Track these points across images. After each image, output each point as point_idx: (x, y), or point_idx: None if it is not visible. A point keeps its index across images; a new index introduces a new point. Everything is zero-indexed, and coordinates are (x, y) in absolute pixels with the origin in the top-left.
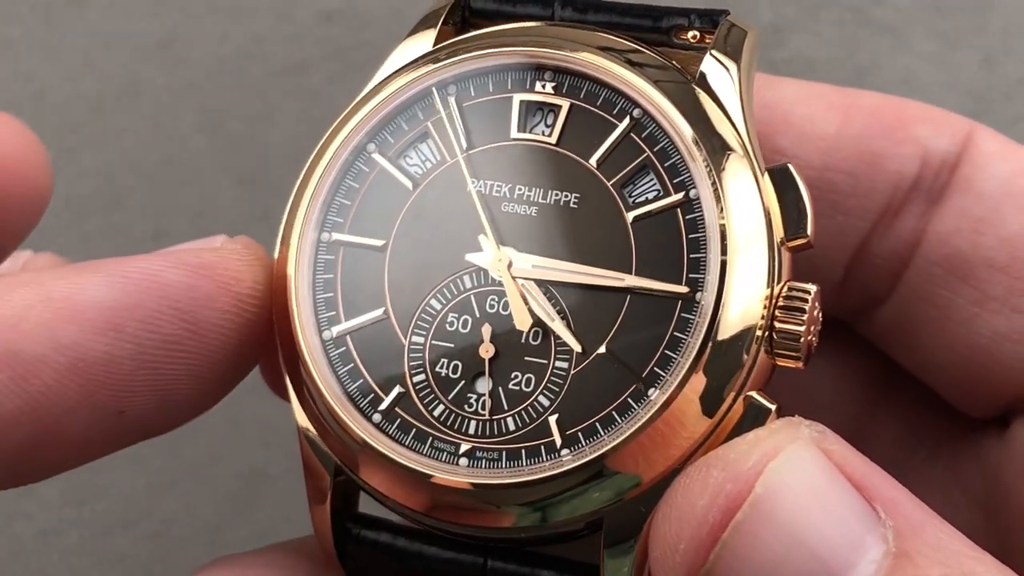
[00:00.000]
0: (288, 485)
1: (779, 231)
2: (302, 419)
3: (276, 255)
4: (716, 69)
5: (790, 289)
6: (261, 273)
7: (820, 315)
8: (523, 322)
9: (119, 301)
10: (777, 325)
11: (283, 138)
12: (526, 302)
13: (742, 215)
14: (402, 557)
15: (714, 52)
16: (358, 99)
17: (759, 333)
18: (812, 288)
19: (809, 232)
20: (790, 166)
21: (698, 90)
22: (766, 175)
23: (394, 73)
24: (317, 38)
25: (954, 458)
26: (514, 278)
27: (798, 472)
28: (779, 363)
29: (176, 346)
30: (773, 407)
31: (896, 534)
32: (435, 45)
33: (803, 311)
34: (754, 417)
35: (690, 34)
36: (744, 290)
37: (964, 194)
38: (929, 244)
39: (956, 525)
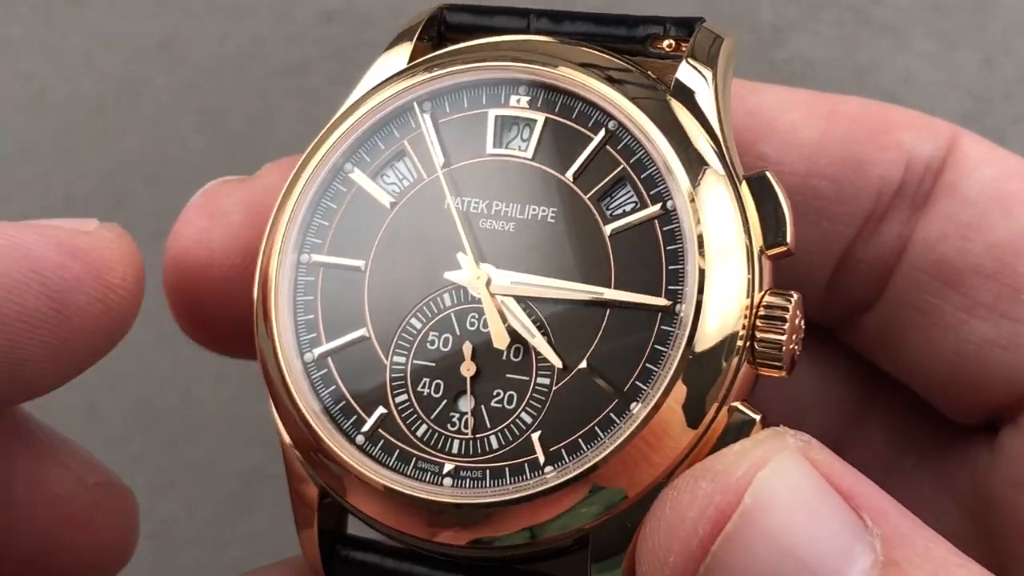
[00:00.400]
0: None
1: (759, 240)
2: (287, 443)
3: (256, 276)
4: (692, 77)
5: (771, 298)
6: (131, 265)
7: (803, 323)
8: (500, 340)
9: None
10: (758, 335)
11: (283, 138)
12: (504, 320)
13: (720, 225)
14: None
15: (690, 60)
16: (335, 117)
17: (740, 343)
18: (793, 296)
19: (789, 240)
20: (768, 174)
21: (673, 100)
22: (744, 183)
23: (370, 91)
24: (317, 38)
25: (943, 465)
26: (493, 295)
27: (786, 482)
28: (762, 373)
29: (38, 322)
30: (758, 417)
31: (884, 543)
32: (410, 60)
33: (784, 320)
34: (738, 428)
35: (665, 43)
36: (724, 300)
37: (950, 200)
38: (916, 250)
39: (946, 533)
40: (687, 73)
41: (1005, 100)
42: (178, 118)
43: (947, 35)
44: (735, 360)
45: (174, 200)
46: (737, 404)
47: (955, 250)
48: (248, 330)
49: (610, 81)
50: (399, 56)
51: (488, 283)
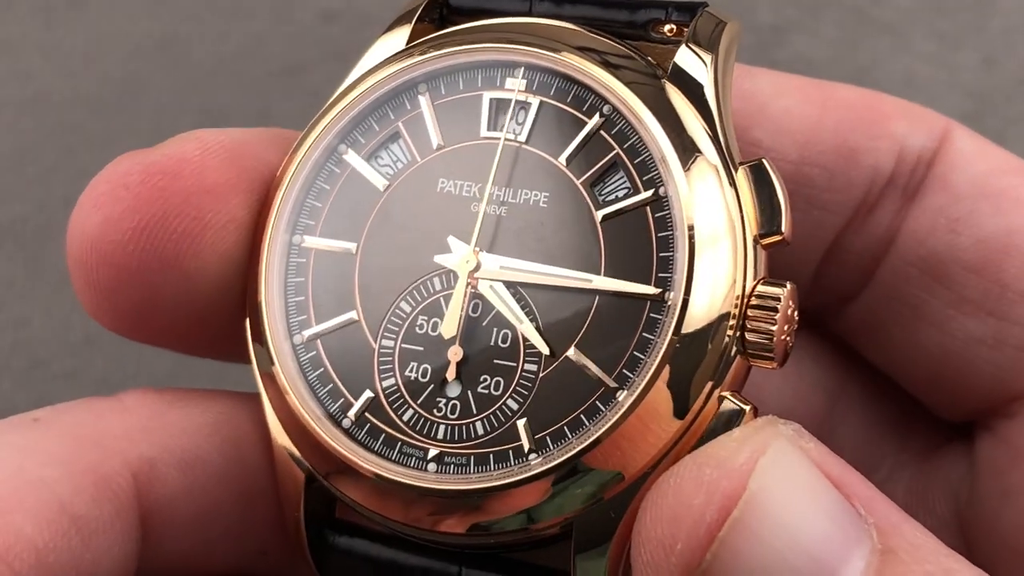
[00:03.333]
0: None
1: (753, 228)
2: (274, 424)
3: (249, 258)
4: (691, 62)
5: (763, 287)
6: None
7: (796, 314)
8: (449, 330)
9: None
10: (749, 324)
11: None
12: (491, 308)
13: (712, 212)
14: (377, 564)
15: (689, 44)
16: (331, 99)
17: (730, 333)
18: (786, 286)
19: (784, 229)
20: (765, 161)
21: (669, 86)
22: (740, 170)
23: (366, 72)
24: (317, 38)
25: (916, 479)
26: (477, 280)
27: (786, 468)
28: (754, 364)
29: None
30: (747, 408)
31: (879, 531)
32: (410, 40)
33: (775, 310)
34: (728, 418)
35: (666, 28)
36: (713, 289)
37: (939, 193)
38: (904, 243)
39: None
40: (686, 58)
41: (1005, 100)
42: (178, 118)
43: (947, 35)
44: (724, 349)
45: None
46: (727, 394)
47: (943, 244)
48: (152, 313)
49: (606, 65)
50: (396, 39)
51: (477, 268)
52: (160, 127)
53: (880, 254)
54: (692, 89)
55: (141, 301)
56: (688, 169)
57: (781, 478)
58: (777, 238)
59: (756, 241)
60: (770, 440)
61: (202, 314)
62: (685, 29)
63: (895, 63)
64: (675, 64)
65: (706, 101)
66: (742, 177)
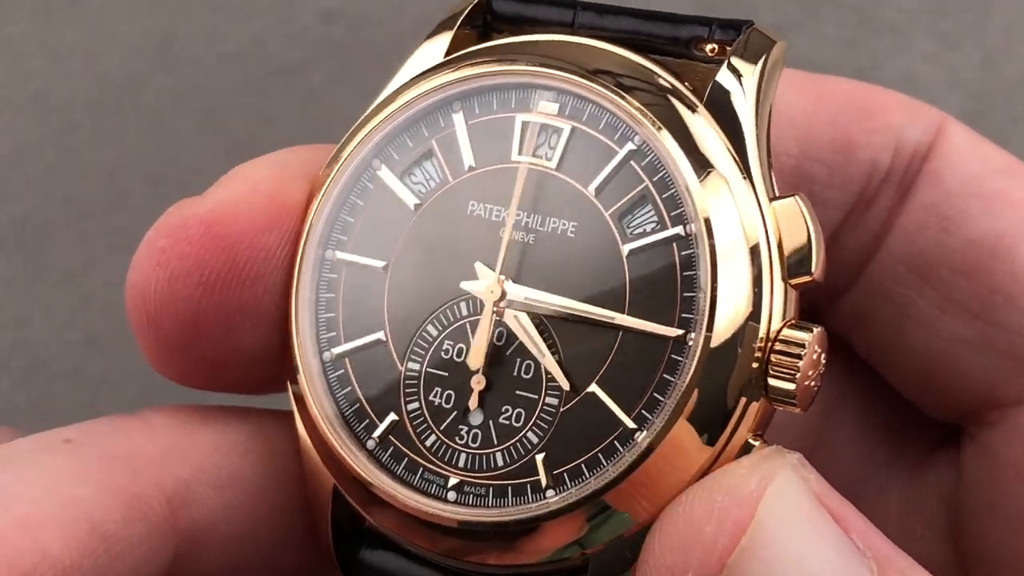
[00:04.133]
0: None
1: (783, 267)
2: (304, 436)
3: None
4: (731, 85)
5: (789, 331)
6: None
7: (823, 357)
8: (475, 361)
9: None
10: (772, 371)
11: (283, 138)
12: (514, 337)
13: (738, 253)
14: None
15: (731, 64)
16: (370, 109)
17: (753, 378)
18: (813, 330)
19: (815, 270)
20: (798, 198)
21: (703, 115)
22: (774, 205)
23: (404, 84)
24: (317, 38)
25: (909, 489)
26: (503, 310)
27: (793, 497)
28: (777, 407)
29: None
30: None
31: (877, 565)
32: (450, 49)
33: (799, 357)
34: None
35: (708, 47)
36: (738, 332)
37: (932, 189)
38: (894, 240)
39: (918, 558)
40: (725, 81)
41: (1005, 100)
42: (178, 118)
43: (948, 35)
44: (745, 393)
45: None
46: (749, 437)
47: (933, 244)
48: (226, 362)
49: (633, 92)
50: (437, 46)
51: (502, 297)
52: (160, 127)
53: (873, 250)
54: (729, 115)
55: (217, 352)
56: (719, 207)
57: (788, 507)
58: (807, 279)
59: (785, 280)
60: (777, 469)
61: (276, 353)
62: (728, 49)
63: (895, 63)
64: (715, 86)
65: (741, 128)
66: (773, 212)
